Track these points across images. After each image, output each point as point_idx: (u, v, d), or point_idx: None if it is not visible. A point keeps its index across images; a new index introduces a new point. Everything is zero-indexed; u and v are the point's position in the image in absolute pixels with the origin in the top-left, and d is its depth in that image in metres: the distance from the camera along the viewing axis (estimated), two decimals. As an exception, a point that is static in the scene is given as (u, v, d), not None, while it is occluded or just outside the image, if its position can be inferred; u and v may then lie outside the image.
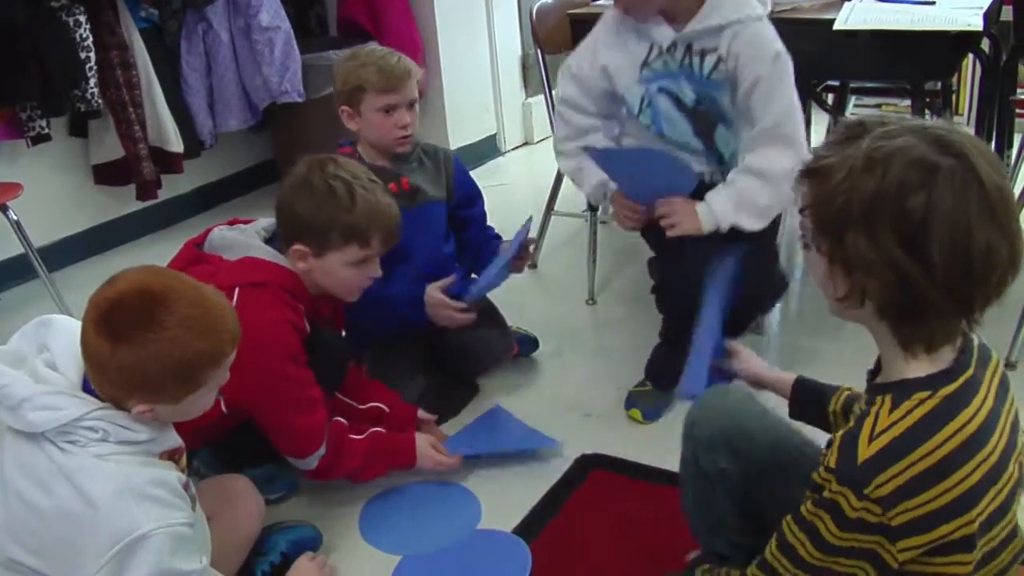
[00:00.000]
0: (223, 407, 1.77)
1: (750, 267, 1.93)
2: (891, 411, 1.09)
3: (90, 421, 1.31)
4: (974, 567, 1.12)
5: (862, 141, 1.07)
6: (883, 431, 1.07)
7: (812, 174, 1.12)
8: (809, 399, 1.55)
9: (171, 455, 1.42)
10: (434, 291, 2.15)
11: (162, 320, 1.29)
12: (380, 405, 2.08)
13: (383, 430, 1.97)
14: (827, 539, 1.10)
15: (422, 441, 1.98)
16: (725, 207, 1.98)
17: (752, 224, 1.99)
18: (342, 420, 1.91)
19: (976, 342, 1.17)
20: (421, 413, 2.14)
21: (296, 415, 1.80)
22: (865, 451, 1.07)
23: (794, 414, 1.57)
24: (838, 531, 1.09)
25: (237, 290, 1.73)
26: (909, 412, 1.08)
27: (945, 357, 1.13)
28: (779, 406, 1.58)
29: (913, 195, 1.02)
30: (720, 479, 1.45)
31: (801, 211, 1.15)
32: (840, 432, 1.12)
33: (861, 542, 1.09)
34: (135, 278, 1.33)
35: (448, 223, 2.34)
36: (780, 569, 1.17)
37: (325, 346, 1.92)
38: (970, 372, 1.12)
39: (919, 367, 1.12)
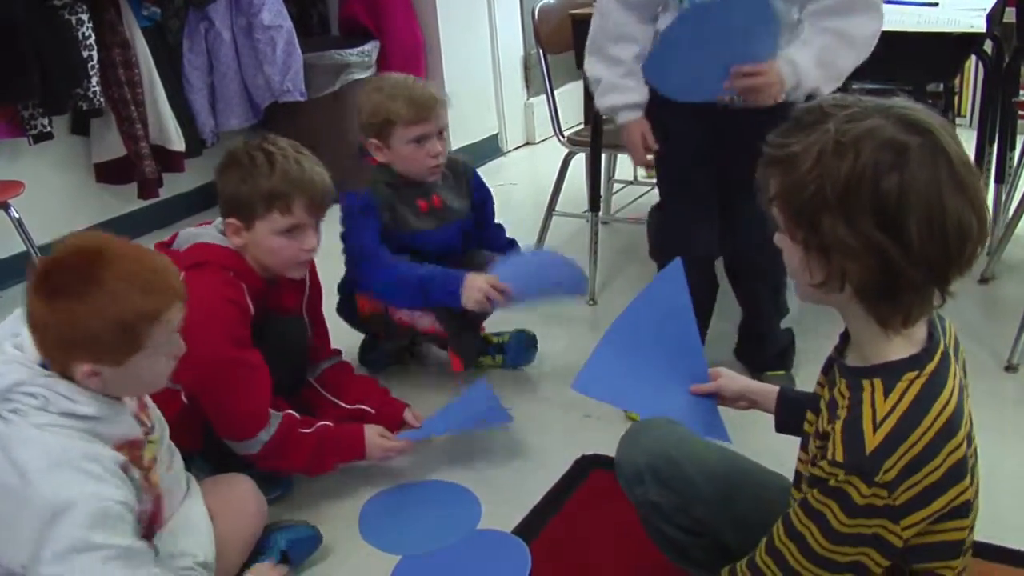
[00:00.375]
0: (183, 397, 1.79)
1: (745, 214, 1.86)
2: (886, 396, 1.10)
3: (31, 387, 1.32)
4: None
5: (825, 125, 1.07)
6: (885, 417, 1.08)
7: (776, 162, 1.11)
8: (792, 408, 1.51)
9: (130, 447, 1.41)
10: (476, 275, 2.11)
11: (100, 276, 1.30)
12: (366, 407, 2.08)
13: (331, 424, 1.95)
14: (835, 527, 1.11)
15: (370, 432, 1.97)
16: (808, 64, 1.86)
17: (829, 88, 1.87)
18: (293, 413, 1.90)
19: (935, 312, 1.18)
20: (407, 414, 2.12)
21: (235, 395, 1.79)
22: (872, 440, 1.07)
23: (780, 427, 1.54)
24: (847, 518, 1.10)
25: (181, 275, 1.74)
26: (904, 393, 1.09)
27: (920, 332, 1.14)
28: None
29: (887, 176, 1.03)
30: (656, 511, 1.44)
31: (769, 201, 1.14)
32: (838, 423, 1.12)
33: (865, 527, 1.09)
34: (75, 241, 1.35)
35: None
36: (788, 557, 1.17)
37: (279, 332, 1.94)
38: (943, 345, 1.15)
39: (900, 345, 1.13)
